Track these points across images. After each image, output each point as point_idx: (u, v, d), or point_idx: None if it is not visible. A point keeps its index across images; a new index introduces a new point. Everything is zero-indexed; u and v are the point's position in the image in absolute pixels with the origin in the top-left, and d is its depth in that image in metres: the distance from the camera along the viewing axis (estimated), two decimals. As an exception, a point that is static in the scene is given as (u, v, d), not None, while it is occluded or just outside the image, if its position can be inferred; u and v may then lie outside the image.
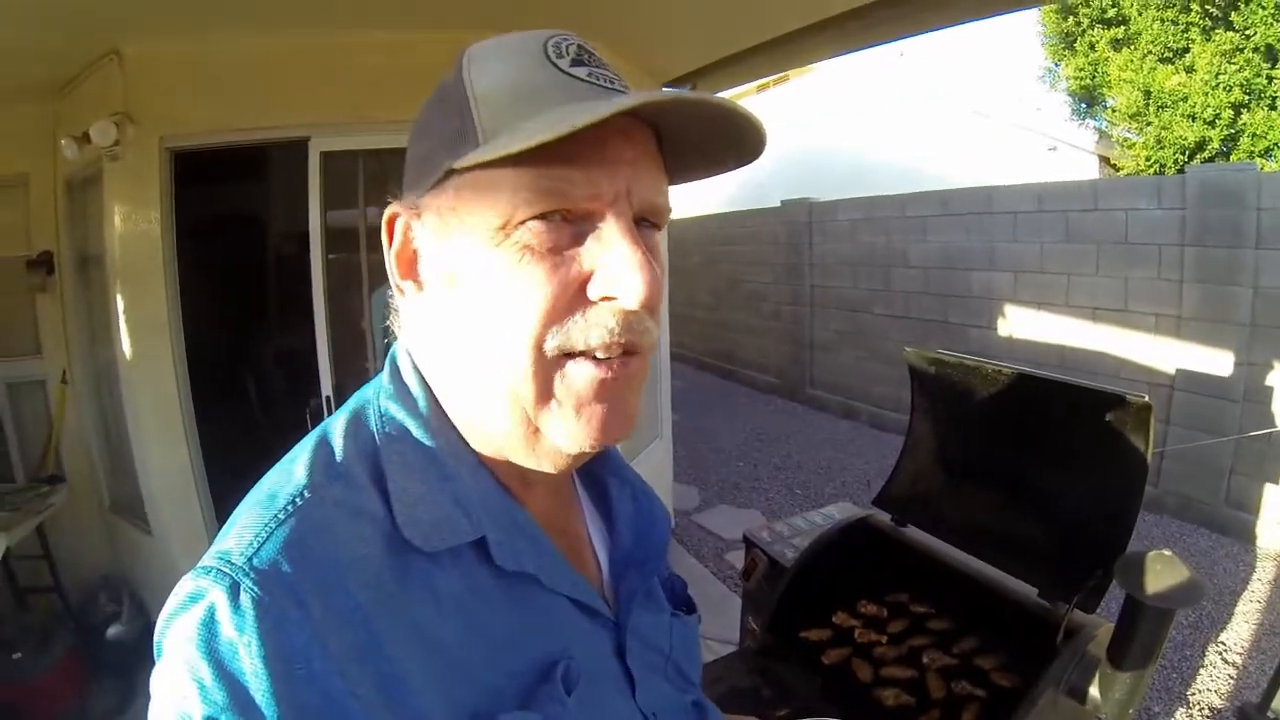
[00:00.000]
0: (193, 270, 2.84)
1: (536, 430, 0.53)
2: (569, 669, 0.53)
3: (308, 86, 2.63)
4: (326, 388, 2.73)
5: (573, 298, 0.49)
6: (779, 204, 8.01)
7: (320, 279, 2.68)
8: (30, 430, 3.36)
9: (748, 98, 11.92)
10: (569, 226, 0.49)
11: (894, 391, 6.52)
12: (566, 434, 0.52)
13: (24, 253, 3.19)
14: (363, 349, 2.80)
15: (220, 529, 0.48)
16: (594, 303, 0.50)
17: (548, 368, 0.50)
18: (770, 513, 4.81)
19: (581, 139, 0.44)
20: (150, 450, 2.79)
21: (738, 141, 0.53)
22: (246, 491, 0.51)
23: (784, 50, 3.09)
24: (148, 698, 0.44)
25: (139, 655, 2.89)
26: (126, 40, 2.56)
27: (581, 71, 0.50)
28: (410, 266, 0.55)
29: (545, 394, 0.51)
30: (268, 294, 4.44)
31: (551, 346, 0.49)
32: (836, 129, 10.90)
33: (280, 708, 0.40)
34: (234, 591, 0.42)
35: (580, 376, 0.50)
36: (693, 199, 12.04)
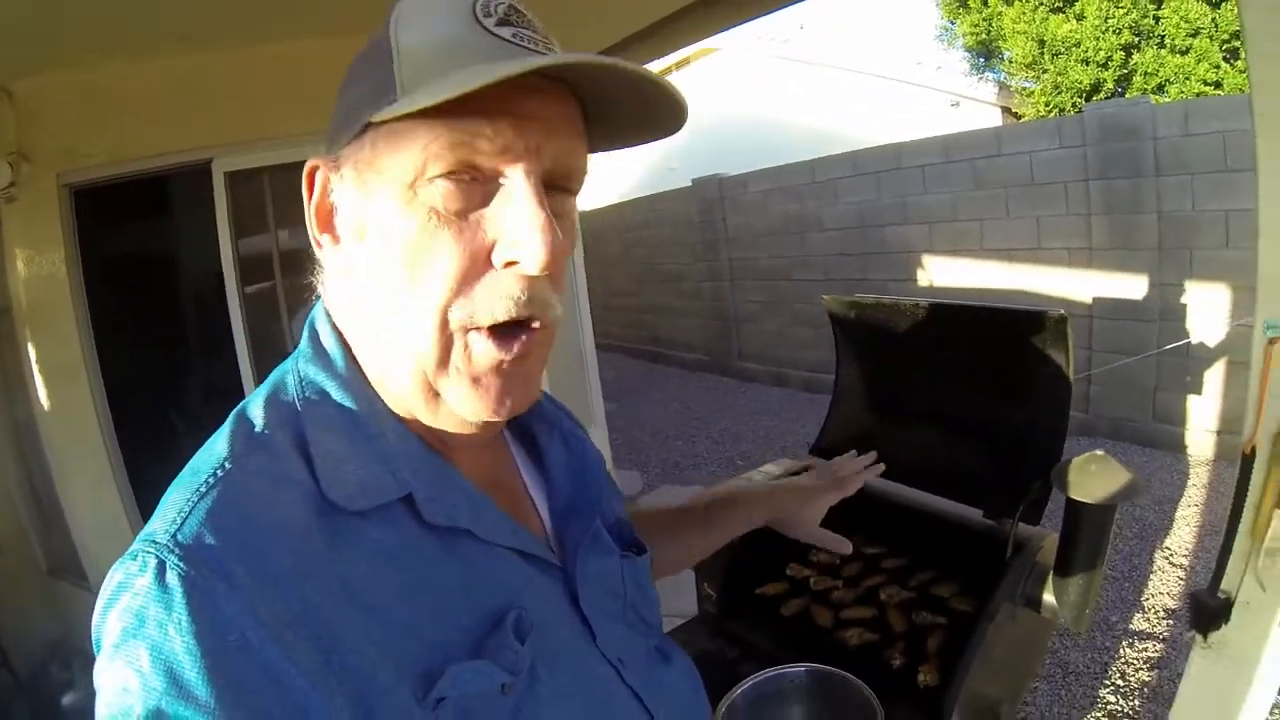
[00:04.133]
0: (106, 311, 2.72)
1: (436, 394, 0.53)
2: (520, 618, 0.53)
3: (206, 108, 2.56)
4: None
5: (479, 265, 0.49)
6: (690, 183, 8.02)
7: (238, 306, 2.61)
8: (-49, 500, 3.18)
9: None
10: (478, 187, 0.49)
11: (821, 355, 6.61)
12: (465, 404, 0.53)
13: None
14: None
15: None
16: (498, 269, 0.50)
17: (450, 337, 0.50)
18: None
19: (494, 95, 0.44)
20: (81, 504, 2.68)
21: (658, 111, 0.54)
22: None
23: (674, 28, 3.08)
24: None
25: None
26: (15, 77, 2.45)
27: (506, 31, 0.50)
28: (327, 220, 0.55)
29: (445, 360, 0.51)
30: (188, 327, 4.27)
31: (456, 319, 0.50)
32: (744, 105, 10.99)
33: (217, 685, 0.39)
34: (160, 570, 0.41)
35: (480, 353, 0.51)
36: (603, 188, 12.00)
